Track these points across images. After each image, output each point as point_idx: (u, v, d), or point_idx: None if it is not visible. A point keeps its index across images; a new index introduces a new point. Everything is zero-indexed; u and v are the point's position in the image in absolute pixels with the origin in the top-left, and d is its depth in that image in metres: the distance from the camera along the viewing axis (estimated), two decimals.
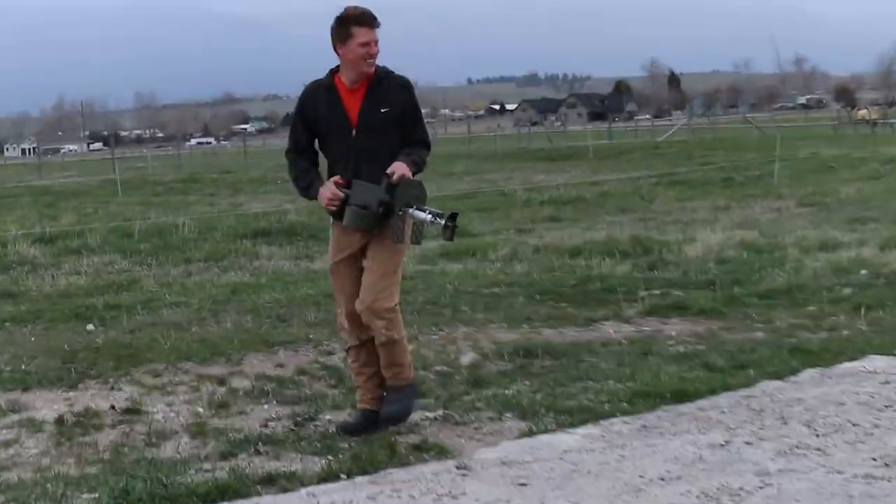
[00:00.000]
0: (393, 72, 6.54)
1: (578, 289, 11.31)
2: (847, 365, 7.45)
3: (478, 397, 7.35)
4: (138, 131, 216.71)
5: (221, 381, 8.03)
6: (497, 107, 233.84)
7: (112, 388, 7.98)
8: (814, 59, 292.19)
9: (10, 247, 17.01)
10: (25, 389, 8.00)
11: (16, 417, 7.26)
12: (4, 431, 6.97)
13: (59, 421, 7.10)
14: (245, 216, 21.57)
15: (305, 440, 6.50)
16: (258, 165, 51.28)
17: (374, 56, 6.38)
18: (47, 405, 7.56)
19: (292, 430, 6.77)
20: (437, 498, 5.06)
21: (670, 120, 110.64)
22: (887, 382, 6.84)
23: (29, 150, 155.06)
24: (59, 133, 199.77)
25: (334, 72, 6.52)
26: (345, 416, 6.97)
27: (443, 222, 6.16)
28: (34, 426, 7.03)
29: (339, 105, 6.46)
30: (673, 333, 9.17)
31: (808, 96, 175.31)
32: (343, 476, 5.75)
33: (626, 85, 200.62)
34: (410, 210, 6.25)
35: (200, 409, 7.33)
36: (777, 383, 7.08)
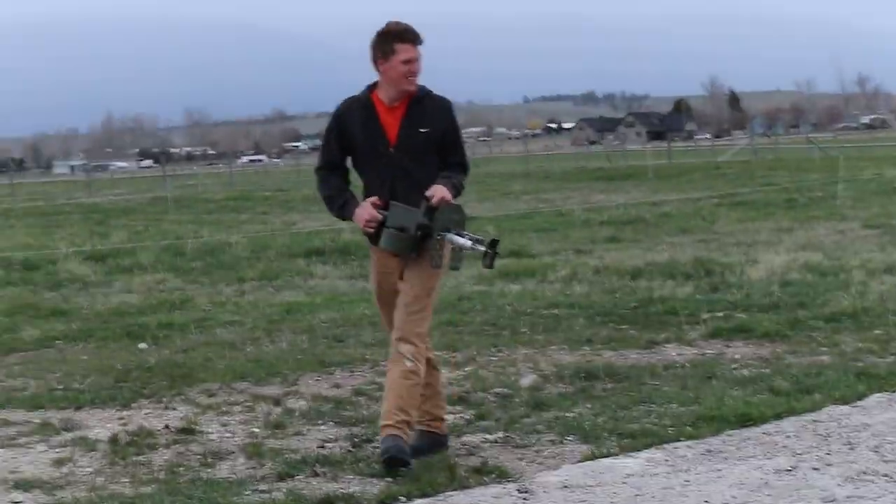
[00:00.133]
0: (432, 91, 6.39)
1: (639, 311, 11.16)
2: None
3: (538, 420, 7.22)
4: (188, 148, 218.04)
5: (277, 402, 7.97)
6: (554, 125, 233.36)
7: (166, 408, 7.95)
8: (877, 79, 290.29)
9: (60, 264, 17.12)
10: (78, 408, 8.02)
11: (69, 436, 7.24)
12: (58, 450, 6.94)
13: (113, 440, 7.07)
14: (298, 235, 21.58)
15: (363, 461, 6.40)
16: (311, 183, 51.29)
17: (416, 74, 6.25)
18: (101, 424, 7.55)
19: (350, 451, 6.67)
20: None
21: (730, 139, 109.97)
22: None
23: (76, 167, 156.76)
24: (108, 150, 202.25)
25: (372, 88, 6.37)
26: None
27: (483, 249, 6.03)
28: (88, 445, 7.00)
29: (376, 123, 6.31)
30: (737, 356, 8.99)
31: (871, 116, 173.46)
32: (402, 498, 5.69)
33: (686, 104, 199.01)
34: (449, 234, 6.11)
35: (256, 430, 7.26)
36: (844, 408, 6.97)
